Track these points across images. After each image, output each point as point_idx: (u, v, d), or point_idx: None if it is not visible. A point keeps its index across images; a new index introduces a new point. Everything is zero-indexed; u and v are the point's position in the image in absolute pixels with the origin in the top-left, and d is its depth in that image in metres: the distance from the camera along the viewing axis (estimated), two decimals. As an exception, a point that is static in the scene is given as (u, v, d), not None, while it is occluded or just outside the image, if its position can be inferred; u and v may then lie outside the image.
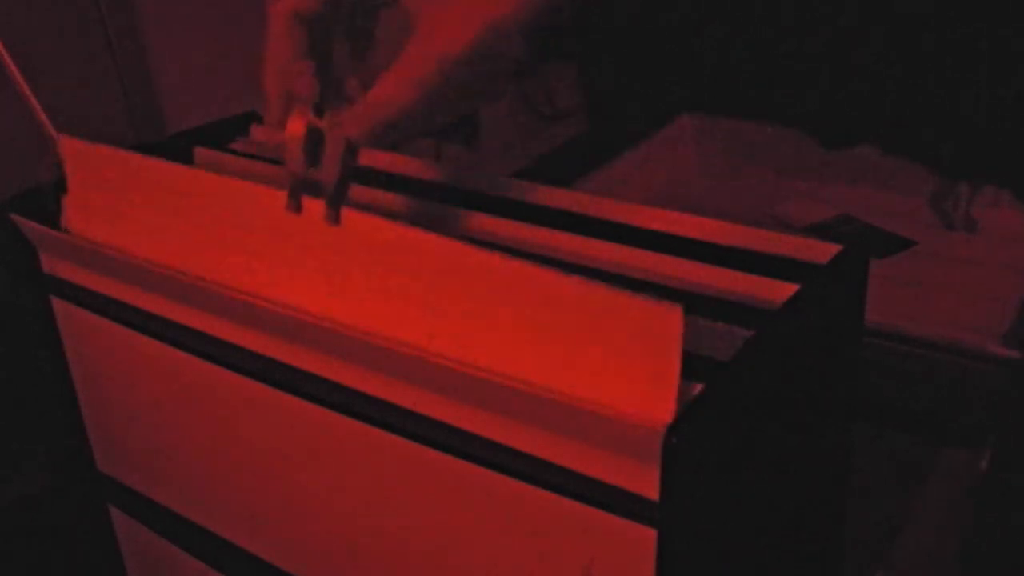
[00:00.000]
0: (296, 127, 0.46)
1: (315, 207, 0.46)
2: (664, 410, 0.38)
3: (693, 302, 0.45)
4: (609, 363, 0.39)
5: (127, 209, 0.53)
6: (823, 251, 0.49)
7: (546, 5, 0.44)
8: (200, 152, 0.65)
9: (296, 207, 0.46)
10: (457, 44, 0.43)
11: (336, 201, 0.45)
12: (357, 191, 0.55)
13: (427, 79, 0.43)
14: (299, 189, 0.46)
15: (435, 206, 0.55)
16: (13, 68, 0.55)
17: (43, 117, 0.56)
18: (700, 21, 0.42)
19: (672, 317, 0.37)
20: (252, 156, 0.62)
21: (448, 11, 0.43)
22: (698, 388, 0.39)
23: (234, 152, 0.64)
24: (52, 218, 0.57)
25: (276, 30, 0.45)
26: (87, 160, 0.54)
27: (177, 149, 0.65)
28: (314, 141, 0.46)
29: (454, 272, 0.43)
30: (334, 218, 0.45)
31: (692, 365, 0.40)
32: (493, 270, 0.42)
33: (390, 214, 0.55)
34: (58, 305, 0.59)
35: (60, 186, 0.58)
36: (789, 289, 0.46)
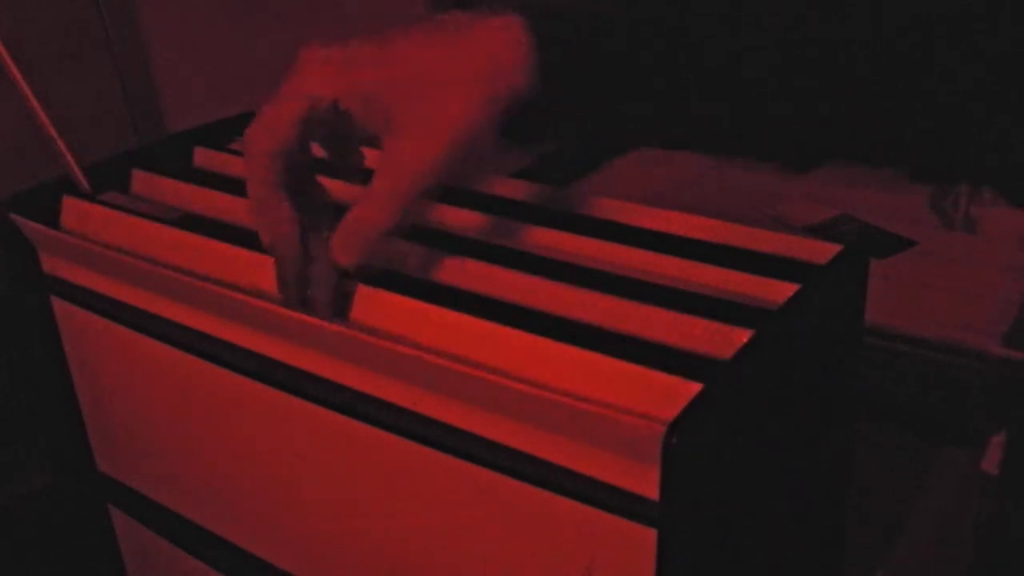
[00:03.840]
0: (287, 270, 0.48)
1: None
2: (664, 412, 0.38)
3: (693, 302, 0.45)
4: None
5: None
6: (823, 251, 0.49)
7: (510, 102, 0.45)
8: (200, 152, 0.65)
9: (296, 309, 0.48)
10: (429, 159, 0.44)
11: (327, 319, 0.46)
12: (358, 191, 0.56)
13: (402, 194, 0.45)
14: (295, 304, 0.48)
15: (435, 206, 0.55)
16: (13, 68, 0.55)
17: (43, 117, 0.56)
18: (700, 19, 0.42)
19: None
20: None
21: (416, 127, 0.44)
22: (698, 388, 0.39)
23: (234, 152, 0.64)
24: (52, 218, 0.57)
25: (253, 171, 0.46)
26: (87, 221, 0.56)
27: (177, 149, 0.65)
28: (303, 275, 0.48)
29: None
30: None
31: (692, 365, 0.40)
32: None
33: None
34: (58, 305, 0.59)
35: (60, 186, 0.58)
36: (789, 289, 0.46)
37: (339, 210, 0.47)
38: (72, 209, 0.57)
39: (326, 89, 0.44)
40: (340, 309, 0.48)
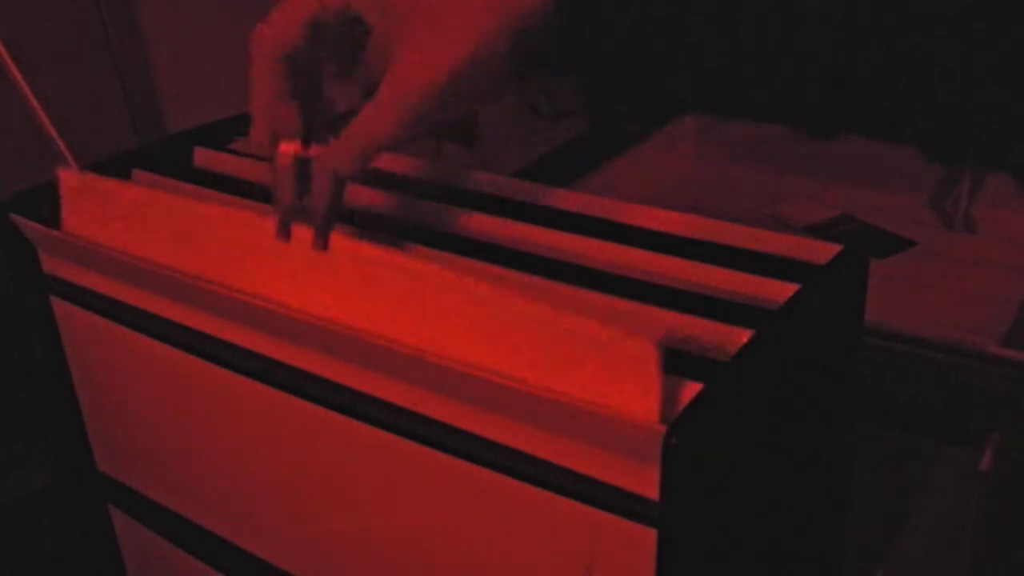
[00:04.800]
0: (284, 159, 0.47)
1: (305, 233, 0.47)
2: (660, 412, 0.38)
3: (693, 302, 0.45)
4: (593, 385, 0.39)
5: (122, 240, 0.54)
6: (823, 251, 0.49)
7: (528, 25, 0.44)
8: (200, 152, 0.65)
9: (286, 236, 0.47)
10: (439, 72, 0.43)
11: (324, 230, 0.46)
12: (359, 191, 0.56)
13: (409, 107, 0.43)
14: (289, 218, 0.47)
15: (435, 206, 0.55)
16: (13, 68, 0.55)
17: (43, 117, 0.56)
18: (699, 18, 0.42)
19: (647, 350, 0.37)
20: (252, 156, 0.62)
21: (429, 38, 0.43)
22: (698, 388, 0.39)
23: (234, 152, 0.64)
24: (52, 218, 0.57)
25: (259, 69, 0.46)
26: (84, 193, 0.55)
27: (177, 149, 0.65)
28: (303, 171, 0.47)
29: (441, 299, 0.43)
30: (322, 245, 0.46)
31: (692, 365, 0.40)
32: (477, 298, 0.42)
33: (390, 215, 0.55)
34: (58, 305, 0.59)
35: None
36: (789, 289, 0.46)
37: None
38: (71, 183, 0.57)
39: None
40: (332, 223, 0.46)
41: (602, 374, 0.38)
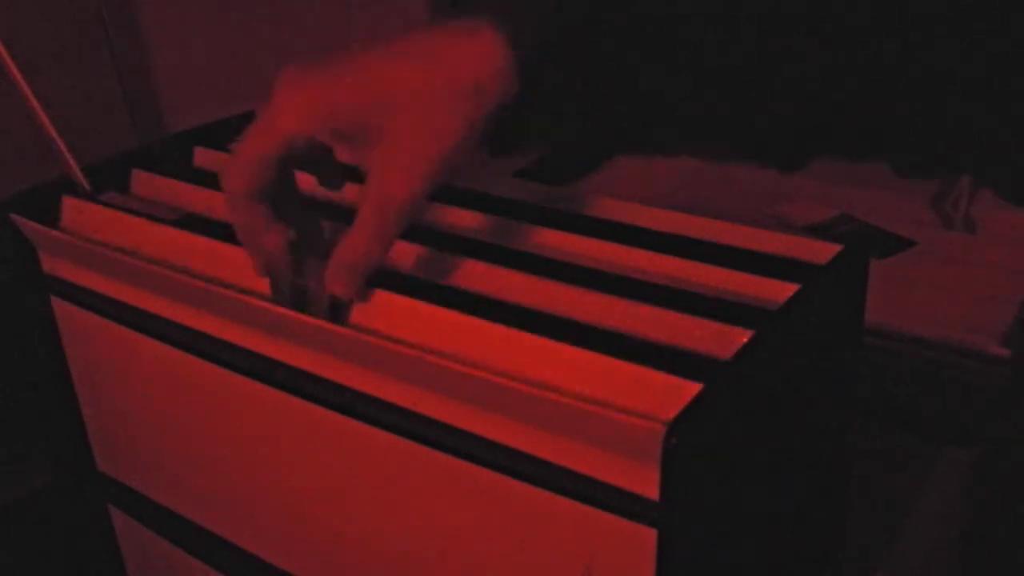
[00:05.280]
0: (281, 284, 0.48)
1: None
2: (664, 412, 0.38)
3: (693, 302, 0.45)
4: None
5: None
6: (823, 251, 0.49)
7: (491, 117, 0.45)
8: (200, 152, 0.65)
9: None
10: (408, 191, 0.44)
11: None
12: (358, 191, 0.56)
13: (392, 222, 0.45)
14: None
15: (435, 206, 0.55)
16: (13, 68, 0.55)
17: (43, 118, 0.56)
18: (705, 27, 0.42)
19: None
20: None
21: (399, 152, 0.44)
22: (698, 388, 0.39)
23: (234, 152, 0.64)
24: (52, 218, 0.57)
25: (233, 208, 0.46)
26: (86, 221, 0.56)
27: (177, 149, 0.65)
28: (299, 291, 0.48)
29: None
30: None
31: (692, 365, 0.40)
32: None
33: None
34: (58, 305, 0.59)
35: (60, 186, 0.58)
36: (789, 289, 0.46)
37: (325, 208, 0.46)
38: (72, 209, 0.57)
39: (303, 126, 0.44)
40: (338, 319, 0.48)
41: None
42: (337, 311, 0.48)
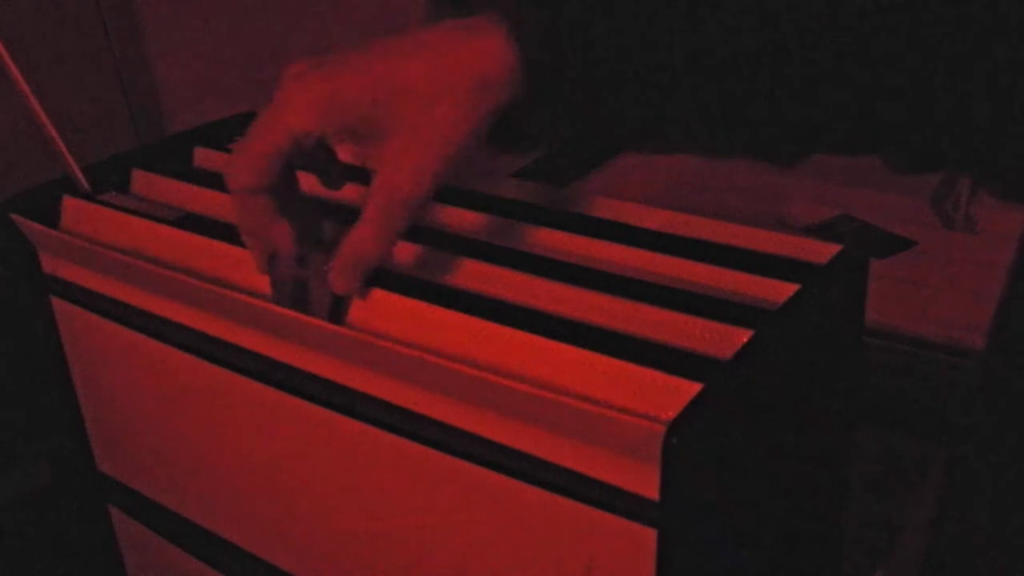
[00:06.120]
0: (283, 279, 0.48)
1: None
2: (664, 412, 0.38)
3: (693, 302, 0.45)
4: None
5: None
6: (823, 251, 0.49)
7: (497, 114, 0.45)
8: (200, 152, 0.65)
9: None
10: (416, 188, 0.44)
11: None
12: (358, 191, 0.56)
13: (397, 219, 0.45)
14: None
15: (435, 206, 0.55)
16: (13, 68, 0.55)
17: (43, 117, 0.56)
18: (704, 22, 0.42)
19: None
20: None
21: (405, 149, 0.44)
22: (698, 388, 0.39)
23: (234, 152, 0.64)
24: (52, 218, 0.57)
25: (237, 203, 0.47)
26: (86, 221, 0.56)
27: (177, 149, 0.65)
28: (300, 287, 0.48)
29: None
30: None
31: (692, 365, 0.40)
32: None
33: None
34: (58, 305, 0.59)
35: (60, 186, 0.58)
36: (789, 289, 0.46)
37: (326, 207, 0.46)
38: (72, 209, 0.57)
39: (310, 122, 0.44)
40: (338, 318, 0.48)
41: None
42: (337, 310, 0.48)
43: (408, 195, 0.44)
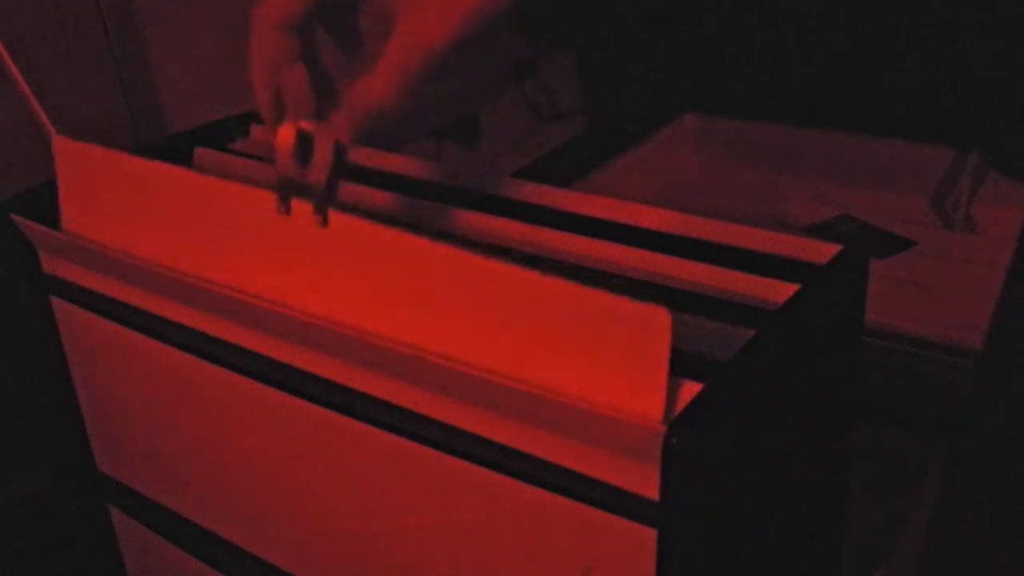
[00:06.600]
0: (286, 131, 0.46)
1: (306, 209, 0.46)
2: (662, 410, 0.38)
3: (693, 302, 0.45)
4: (599, 365, 0.39)
5: (120, 211, 0.53)
6: (823, 251, 0.49)
7: None
8: (200, 152, 0.65)
9: (286, 210, 0.46)
10: (441, 33, 0.42)
11: (324, 203, 0.45)
12: (358, 191, 0.56)
13: (412, 71, 0.42)
14: (289, 192, 0.46)
15: (435, 206, 0.55)
16: (13, 68, 0.55)
17: (43, 117, 0.56)
18: (700, 17, 0.42)
19: (659, 319, 0.37)
20: (252, 156, 0.62)
21: (429, 1, 0.42)
22: (698, 388, 0.39)
23: (234, 152, 0.64)
24: (52, 218, 0.57)
25: (261, 38, 0.45)
26: (80, 161, 0.54)
27: (177, 149, 0.65)
28: (304, 144, 0.46)
29: (442, 275, 0.43)
30: (323, 220, 0.45)
31: (692, 365, 0.40)
32: (478, 272, 0.42)
33: (390, 214, 0.55)
34: (58, 305, 0.59)
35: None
36: (789, 289, 0.46)
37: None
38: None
39: None
40: (334, 195, 0.46)
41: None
42: (337, 172, 0.45)
43: (432, 39, 0.42)
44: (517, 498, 0.42)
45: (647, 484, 0.38)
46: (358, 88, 0.43)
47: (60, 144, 0.54)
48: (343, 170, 0.46)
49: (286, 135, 0.46)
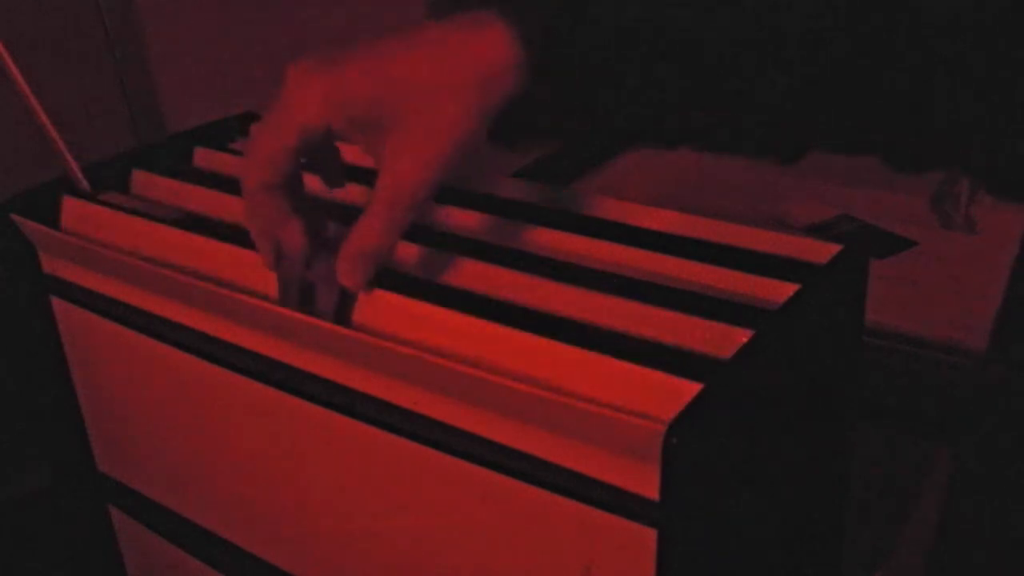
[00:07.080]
0: (289, 277, 0.48)
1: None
2: (664, 412, 0.38)
3: (693, 302, 0.45)
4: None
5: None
6: (823, 251, 0.49)
7: (499, 110, 0.45)
8: (200, 152, 0.65)
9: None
10: (420, 177, 0.44)
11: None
12: (357, 191, 0.56)
13: (399, 212, 0.45)
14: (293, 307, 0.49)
15: (435, 206, 0.55)
16: (13, 69, 0.55)
17: (43, 118, 0.56)
18: (700, 17, 0.42)
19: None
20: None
21: (411, 143, 0.44)
22: (698, 388, 0.39)
23: (234, 152, 0.64)
24: (52, 218, 0.57)
25: (251, 200, 0.47)
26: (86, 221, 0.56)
27: (177, 149, 0.65)
28: (308, 287, 0.48)
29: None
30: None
31: (692, 365, 0.40)
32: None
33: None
34: (58, 305, 0.59)
35: (60, 186, 0.58)
36: (789, 289, 0.46)
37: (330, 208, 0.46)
38: (72, 209, 0.57)
39: (318, 118, 0.44)
40: (343, 318, 0.48)
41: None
42: (343, 310, 0.48)
43: (413, 187, 0.44)
44: (517, 498, 0.42)
45: (647, 484, 0.38)
46: (354, 239, 0.46)
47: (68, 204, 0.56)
48: (352, 308, 0.48)
49: (289, 278, 0.49)
